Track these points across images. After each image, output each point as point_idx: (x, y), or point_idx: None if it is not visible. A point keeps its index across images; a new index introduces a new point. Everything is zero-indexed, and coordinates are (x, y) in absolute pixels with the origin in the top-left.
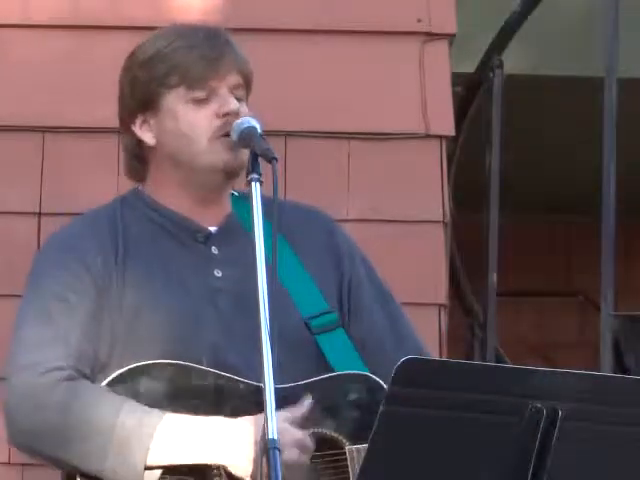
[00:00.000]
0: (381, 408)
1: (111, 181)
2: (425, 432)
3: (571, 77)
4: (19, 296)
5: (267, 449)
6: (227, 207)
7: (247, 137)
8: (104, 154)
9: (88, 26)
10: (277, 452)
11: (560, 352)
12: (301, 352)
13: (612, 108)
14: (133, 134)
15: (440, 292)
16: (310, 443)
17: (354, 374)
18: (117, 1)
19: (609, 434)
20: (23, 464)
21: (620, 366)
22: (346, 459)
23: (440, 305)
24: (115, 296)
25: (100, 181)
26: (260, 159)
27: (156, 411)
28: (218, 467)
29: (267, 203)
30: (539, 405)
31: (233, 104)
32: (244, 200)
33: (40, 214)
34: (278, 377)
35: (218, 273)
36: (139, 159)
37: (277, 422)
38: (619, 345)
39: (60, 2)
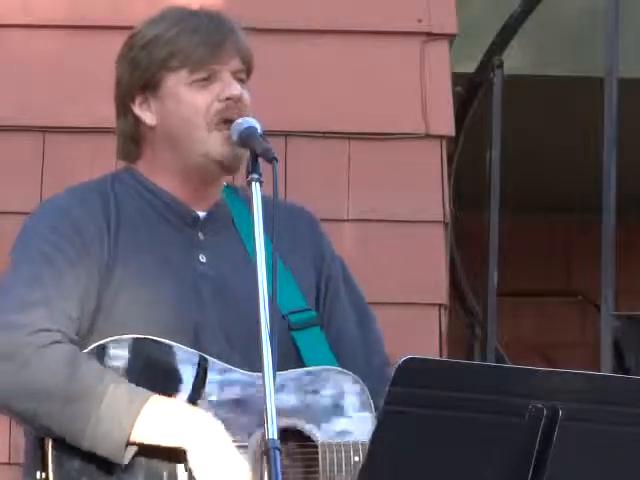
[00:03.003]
0: (381, 408)
1: None
2: (425, 432)
3: (571, 77)
4: None
5: (267, 449)
6: (217, 194)
7: (247, 137)
8: (104, 154)
9: (88, 26)
10: (277, 452)
11: (560, 352)
12: (277, 346)
13: (612, 108)
14: (132, 114)
15: (440, 292)
16: None
17: (332, 369)
18: (117, 1)
19: (609, 434)
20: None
21: (620, 366)
22: (317, 453)
23: (440, 305)
24: (104, 266)
25: None
26: (260, 159)
27: (144, 390)
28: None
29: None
30: (539, 405)
31: (235, 88)
32: (234, 191)
33: None
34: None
35: (202, 258)
36: (135, 140)
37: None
38: (619, 345)
39: (60, 2)
